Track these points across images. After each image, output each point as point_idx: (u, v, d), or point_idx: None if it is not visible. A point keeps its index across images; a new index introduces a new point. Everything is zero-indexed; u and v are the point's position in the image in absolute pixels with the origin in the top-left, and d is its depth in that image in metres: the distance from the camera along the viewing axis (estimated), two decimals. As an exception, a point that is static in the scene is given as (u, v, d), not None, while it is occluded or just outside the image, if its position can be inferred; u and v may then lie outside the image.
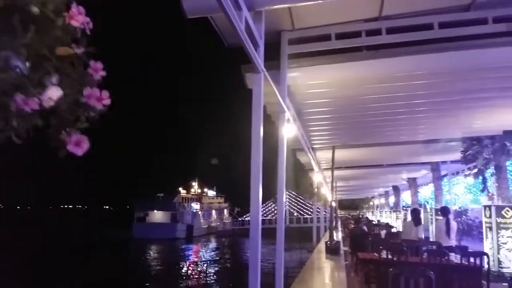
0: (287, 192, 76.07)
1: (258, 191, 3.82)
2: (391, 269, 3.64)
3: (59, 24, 1.08)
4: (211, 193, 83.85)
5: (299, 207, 74.84)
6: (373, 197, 43.74)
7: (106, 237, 50.10)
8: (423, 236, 11.56)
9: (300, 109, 8.13)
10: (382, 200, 36.51)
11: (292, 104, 7.47)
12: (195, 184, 78.97)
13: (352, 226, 18.02)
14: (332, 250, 11.11)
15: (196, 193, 78.23)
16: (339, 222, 30.93)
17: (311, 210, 26.31)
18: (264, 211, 70.36)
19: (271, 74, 4.74)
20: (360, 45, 5.87)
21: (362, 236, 8.79)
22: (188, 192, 76.27)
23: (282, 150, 5.59)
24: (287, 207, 78.76)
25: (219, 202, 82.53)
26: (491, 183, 10.97)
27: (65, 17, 1.11)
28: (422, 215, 16.29)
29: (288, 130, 5.49)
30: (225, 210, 79.66)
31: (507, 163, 10.83)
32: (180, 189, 74.21)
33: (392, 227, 16.70)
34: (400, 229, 17.44)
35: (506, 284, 4.27)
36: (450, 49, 5.73)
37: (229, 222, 74.97)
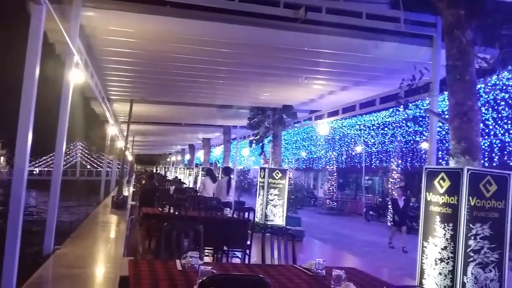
0: (80, 143, 70.84)
1: (26, 139, 3.38)
2: (165, 224, 3.82)
3: None
4: (-17, 136, 70.51)
5: (92, 159, 70.64)
6: (170, 154, 44.85)
7: None
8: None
9: (96, 55, 7.48)
10: (179, 157, 37.81)
11: (87, 48, 6.81)
12: (-41, 125, 64.79)
13: (144, 181, 18.08)
14: (119, 204, 10.98)
15: (-39, 135, 64.49)
16: (133, 177, 30.67)
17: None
18: (51, 162, 63.59)
19: (59, 9, 4.17)
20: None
21: (151, 191, 8.89)
22: None
23: (66, 96, 5.08)
24: (79, 158, 73.49)
25: (-7, 148, 70.25)
26: (269, 149, 12.66)
27: None
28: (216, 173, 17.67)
29: (76, 76, 4.99)
30: (2, 158, 68.40)
31: (283, 133, 12.66)
32: None
33: (182, 183, 17.49)
34: (191, 185, 18.54)
35: (260, 233, 5.14)
36: (248, 23, 6.17)
37: (6, 172, 64.87)
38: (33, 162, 65.49)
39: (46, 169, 62.82)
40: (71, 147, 70.52)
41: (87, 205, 24.90)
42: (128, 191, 17.79)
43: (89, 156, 71.37)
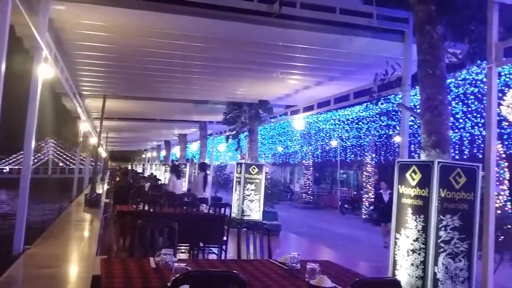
0: (52, 140, 69.08)
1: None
2: (139, 221, 3.76)
3: None
4: None
5: (64, 156, 68.93)
6: (145, 150, 44.26)
7: None
8: (185, 189, 12.49)
9: (67, 49, 7.27)
10: (155, 153, 37.33)
11: (57, 42, 6.61)
12: None
13: (119, 178, 17.78)
14: (92, 202, 10.75)
15: None
16: (107, 174, 30.12)
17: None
18: (22, 160, 61.63)
19: (27, 2, 4.01)
20: (137, -7, 5.60)
21: (126, 188, 8.75)
22: None
23: (35, 92, 4.92)
24: (51, 156, 71.58)
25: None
26: (245, 144, 12.64)
27: None
28: (186, 169, 17.57)
29: (45, 71, 4.84)
30: (-32, 156, 65.93)
31: (259, 128, 12.66)
32: None
33: (158, 179, 17.31)
34: (167, 182, 18.34)
35: (236, 228, 5.10)
36: (222, 17, 6.11)
37: (-28, 171, 62.64)
38: (3, 160, 63.50)
39: (17, 167, 60.98)
40: (43, 144, 68.65)
41: (59, 203, 24.28)
42: (102, 188, 17.47)
43: (61, 154, 69.62)
